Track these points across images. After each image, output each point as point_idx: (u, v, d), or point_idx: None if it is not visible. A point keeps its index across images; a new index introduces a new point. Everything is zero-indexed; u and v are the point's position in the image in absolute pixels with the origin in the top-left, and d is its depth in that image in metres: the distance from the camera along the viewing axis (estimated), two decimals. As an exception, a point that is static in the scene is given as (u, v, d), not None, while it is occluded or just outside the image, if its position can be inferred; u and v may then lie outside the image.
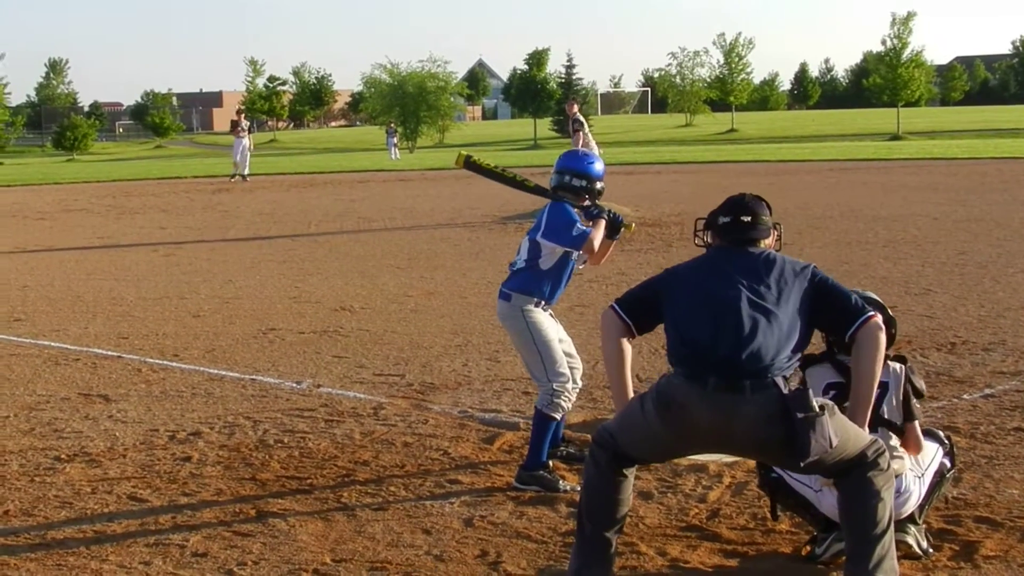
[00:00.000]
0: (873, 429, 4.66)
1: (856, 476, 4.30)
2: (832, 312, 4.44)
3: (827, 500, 4.59)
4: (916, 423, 4.88)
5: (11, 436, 6.92)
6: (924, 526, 4.86)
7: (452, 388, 7.96)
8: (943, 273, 12.66)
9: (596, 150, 20.47)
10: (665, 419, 4.26)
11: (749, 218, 4.63)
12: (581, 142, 21.20)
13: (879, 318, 4.43)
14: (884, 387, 4.82)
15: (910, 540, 4.73)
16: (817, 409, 4.14)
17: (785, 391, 4.18)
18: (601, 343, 4.70)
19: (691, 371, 4.23)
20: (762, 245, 4.62)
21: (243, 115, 36.22)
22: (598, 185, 6.14)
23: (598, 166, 6.17)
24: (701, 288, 4.44)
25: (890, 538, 4.29)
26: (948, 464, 5.05)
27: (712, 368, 4.18)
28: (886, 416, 4.81)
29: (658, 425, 4.29)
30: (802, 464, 4.19)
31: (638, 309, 4.62)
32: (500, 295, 6.02)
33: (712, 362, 4.20)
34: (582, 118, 22.48)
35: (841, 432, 4.23)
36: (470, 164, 6.39)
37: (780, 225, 4.79)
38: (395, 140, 53.97)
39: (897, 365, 4.91)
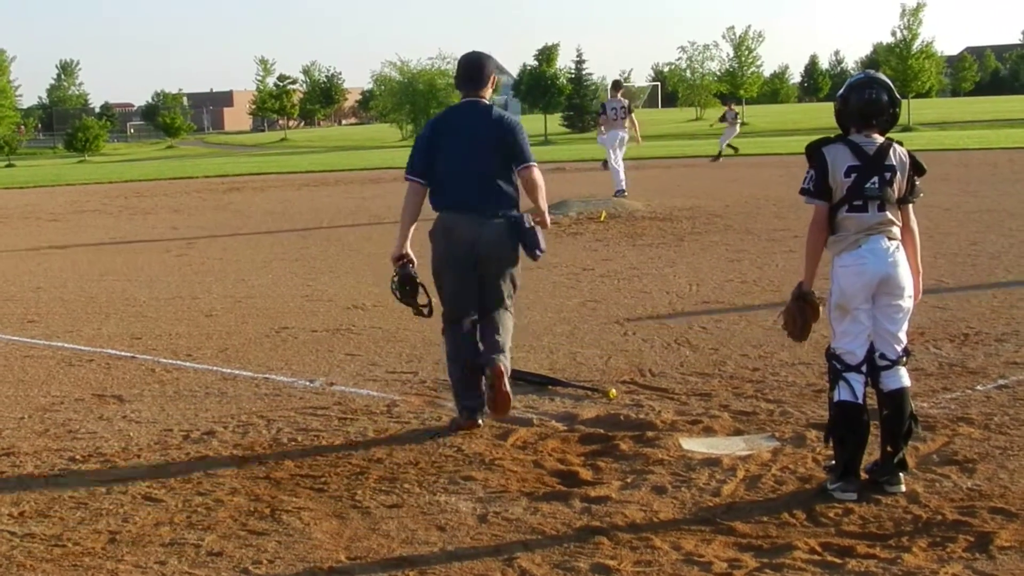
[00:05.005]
0: (863, 209, 5.33)
1: (493, 314, 6.73)
2: (509, 156, 6.62)
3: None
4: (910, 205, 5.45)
5: (26, 437, 6.95)
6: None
7: (465, 385, 7.94)
8: (955, 264, 12.62)
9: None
10: (449, 239, 6.64)
11: (476, 73, 6.76)
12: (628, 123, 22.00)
13: (534, 170, 6.64)
14: (892, 170, 5.30)
15: (902, 488, 5.37)
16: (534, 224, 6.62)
17: (513, 217, 6.59)
18: (403, 208, 6.88)
19: (452, 206, 6.64)
20: (485, 96, 6.74)
21: (731, 104, 40.41)
22: None
23: None
24: (452, 146, 6.62)
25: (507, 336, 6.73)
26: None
27: (463, 205, 6.59)
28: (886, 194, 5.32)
29: (447, 246, 6.65)
30: (538, 253, 6.59)
31: (428, 170, 6.72)
32: None
33: (463, 201, 6.59)
34: (626, 102, 22.20)
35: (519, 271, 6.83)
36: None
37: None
38: None
39: (902, 149, 5.36)
